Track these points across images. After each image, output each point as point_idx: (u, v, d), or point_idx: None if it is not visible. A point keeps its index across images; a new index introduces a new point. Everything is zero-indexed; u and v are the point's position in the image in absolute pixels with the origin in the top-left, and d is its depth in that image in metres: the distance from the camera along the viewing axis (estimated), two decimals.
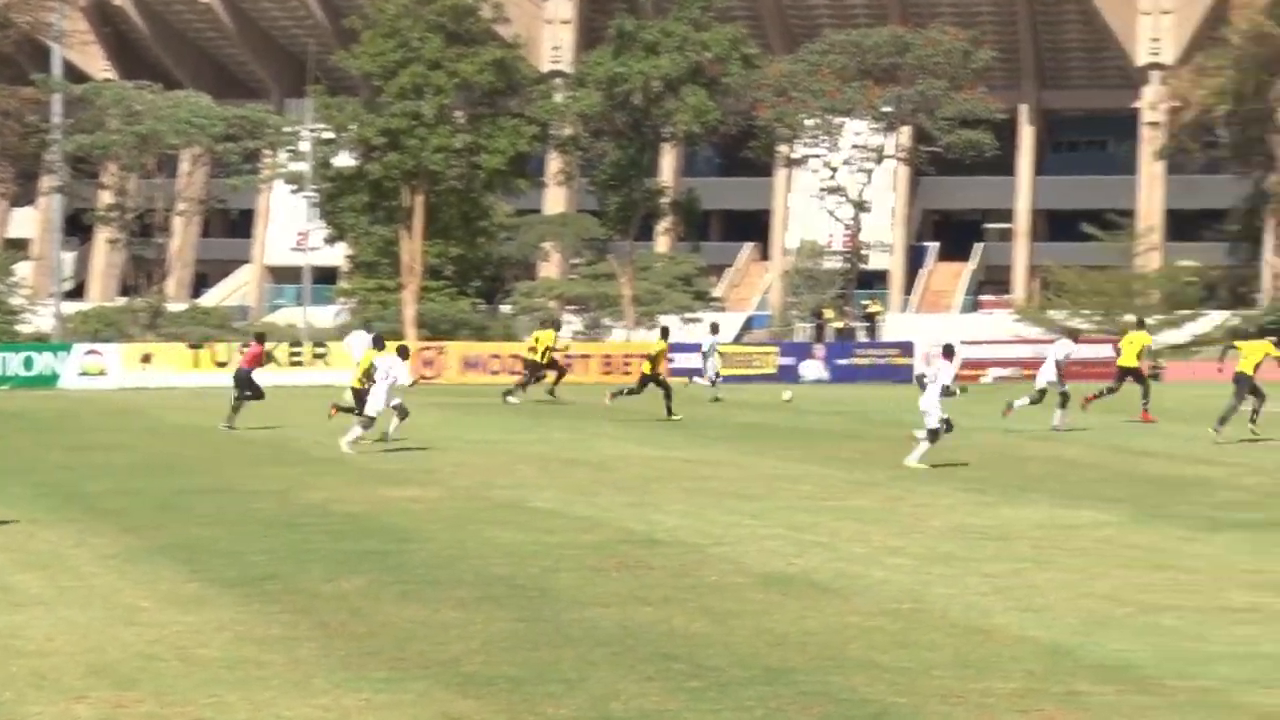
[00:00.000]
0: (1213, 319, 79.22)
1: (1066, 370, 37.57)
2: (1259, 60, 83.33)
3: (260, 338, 42.64)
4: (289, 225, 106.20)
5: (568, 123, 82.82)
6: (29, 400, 49.61)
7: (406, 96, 77.85)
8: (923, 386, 28.85)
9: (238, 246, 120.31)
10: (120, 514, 22.12)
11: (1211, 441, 32.83)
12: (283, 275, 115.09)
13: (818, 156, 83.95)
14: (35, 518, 21.47)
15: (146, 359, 59.62)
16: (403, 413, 32.37)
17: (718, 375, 50.26)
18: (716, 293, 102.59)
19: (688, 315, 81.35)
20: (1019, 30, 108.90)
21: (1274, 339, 37.06)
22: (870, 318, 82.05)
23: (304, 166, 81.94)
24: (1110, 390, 39.66)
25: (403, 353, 33.02)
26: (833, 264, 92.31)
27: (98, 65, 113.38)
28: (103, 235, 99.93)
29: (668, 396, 40.71)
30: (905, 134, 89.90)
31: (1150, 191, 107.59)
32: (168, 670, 12.75)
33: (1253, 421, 34.24)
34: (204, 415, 41.76)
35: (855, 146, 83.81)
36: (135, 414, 43.78)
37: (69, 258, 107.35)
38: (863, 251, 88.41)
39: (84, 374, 57.99)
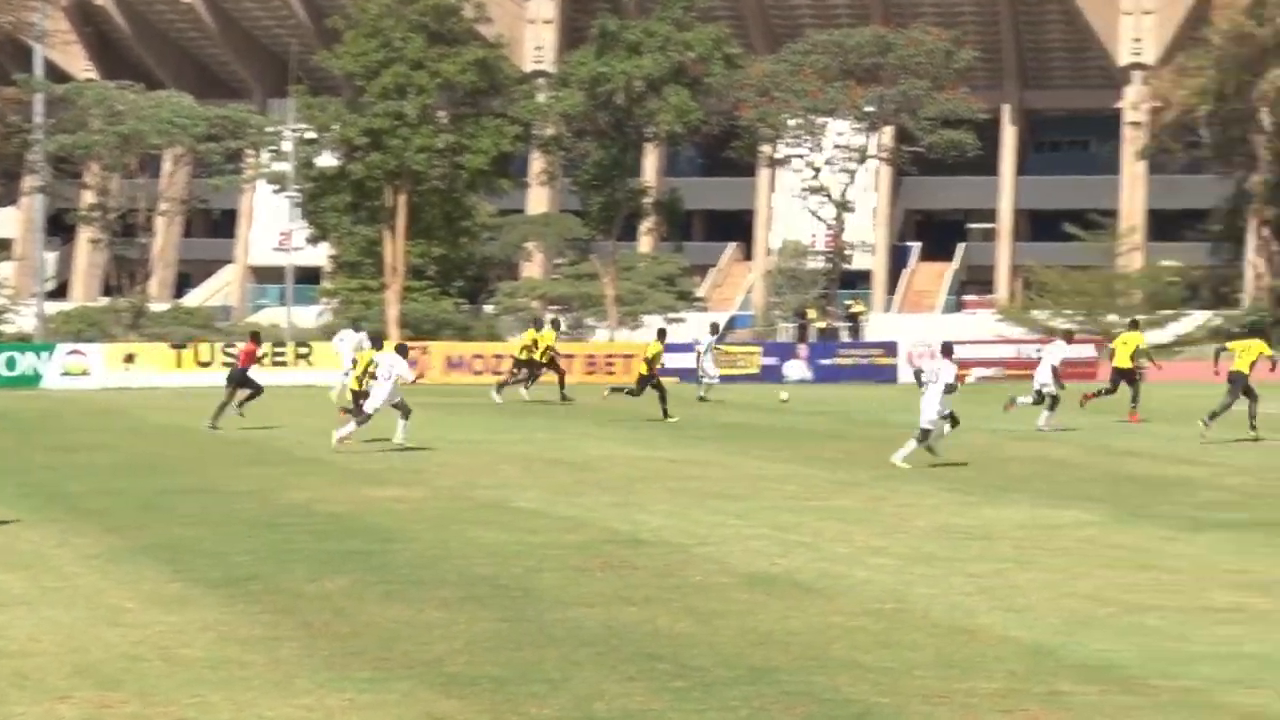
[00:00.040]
0: (1195, 319, 79.42)
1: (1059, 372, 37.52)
2: (1240, 60, 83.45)
3: (255, 336, 42.74)
4: (271, 225, 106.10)
5: (550, 123, 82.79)
6: (11, 400, 49.50)
7: (389, 96, 77.79)
8: (922, 385, 28.90)
9: (220, 246, 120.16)
10: (103, 514, 22.09)
11: (1200, 435, 32.91)
12: (265, 275, 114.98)
13: (800, 156, 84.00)
14: (19, 518, 21.44)
15: (129, 359, 59.52)
16: (405, 411, 32.36)
17: (715, 376, 50.16)
18: (699, 293, 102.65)
19: (671, 316, 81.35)
20: (1001, 30, 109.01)
21: (1259, 339, 37.14)
22: (853, 318, 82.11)
23: (286, 166, 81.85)
24: (1108, 391, 39.64)
25: (401, 350, 33.11)
26: (815, 264, 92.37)
27: (79, 65, 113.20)
28: (85, 235, 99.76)
29: (663, 399, 40.68)
30: (888, 134, 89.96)
31: (1132, 191, 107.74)
32: (151, 670, 12.74)
33: (1253, 427, 34.24)
34: (187, 415, 41.71)
35: (838, 146, 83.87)
36: (118, 414, 43.71)
37: (51, 258, 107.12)
38: (845, 251, 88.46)
39: (66, 374, 57.89)
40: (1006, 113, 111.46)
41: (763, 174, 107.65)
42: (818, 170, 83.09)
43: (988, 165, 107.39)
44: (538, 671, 12.62)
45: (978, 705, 11.65)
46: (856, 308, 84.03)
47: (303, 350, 60.28)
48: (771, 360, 63.06)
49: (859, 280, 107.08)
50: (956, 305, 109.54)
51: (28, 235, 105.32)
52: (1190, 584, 16.52)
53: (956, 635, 14.00)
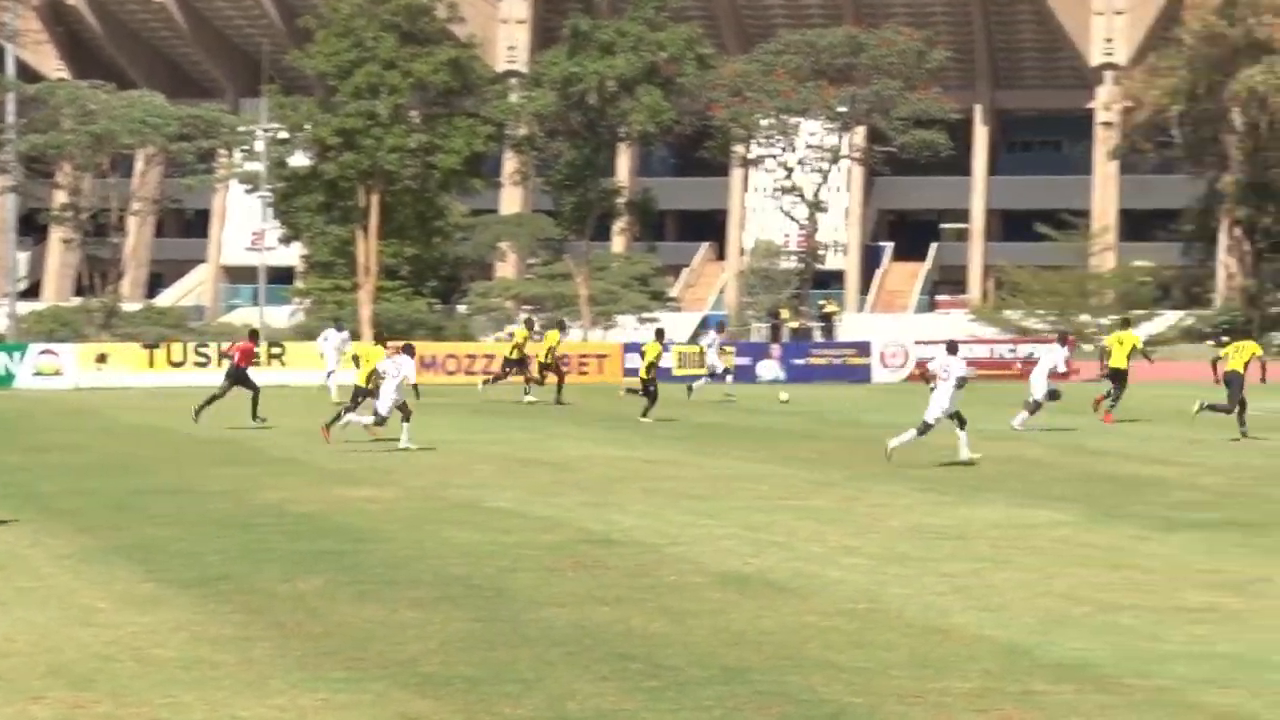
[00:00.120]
0: (1167, 319, 79.64)
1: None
2: (1211, 60, 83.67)
3: (254, 335, 42.78)
4: (244, 225, 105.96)
5: (523, 123, 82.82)
6: None
7: (361, 96, 77.71)
8: (928, 380, 28.97)
9: (193, 246, 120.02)
10: (76, 514, 22.03)
11: (1248, 438, 33.13)
12: (238, 275, 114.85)
13: (773, 157, 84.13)
14: (17, 518, 21.37)
15: (102, 359, 59.37)
16: (406, 413, 32.36)
17: (715, 372, 50.00)
18: (672, 293, 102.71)
19: (644, 315, 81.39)
20: (973, 31, 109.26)
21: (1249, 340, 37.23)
22: (826, 318, 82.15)
23: (259, 166, 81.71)
24: (1109, 395, 39.48)
25: (408, 350, 33.20)
26: (788, 264, 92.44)
27: (51, 65, 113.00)
28: (57, 235, 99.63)
29: (653, 400, 40.60)
30: (860, 134, 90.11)
31: (1104, 191, 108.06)
32: (124, 671, 12.70)
33: (1242, 424, 34.33)
34: (159, 415, 41.66)
35: (810, 147, 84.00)
36: (90, 414, 43.60)
37: (23, 258, 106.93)
38: (818, 251, 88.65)
39: (39, 374, 57.70)
40: (979, 113, 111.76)
41: (735, 174, 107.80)
42: (790, 170, 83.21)
43: (960, 165, 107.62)
44: (511, 671, 12.60)
45: (952, 705, 11.65)
46: (829, 308, 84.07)
47: (275, 350, 60.11)
48: (745, 360, 63.05)
49: (832, 280, 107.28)
50: (929, 305, 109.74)
51: None
52: (1164, 584, 16.55)
53: (931, 635, 14.01)
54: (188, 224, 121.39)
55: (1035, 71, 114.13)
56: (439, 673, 12.58)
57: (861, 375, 62.09)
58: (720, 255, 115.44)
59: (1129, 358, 39.81)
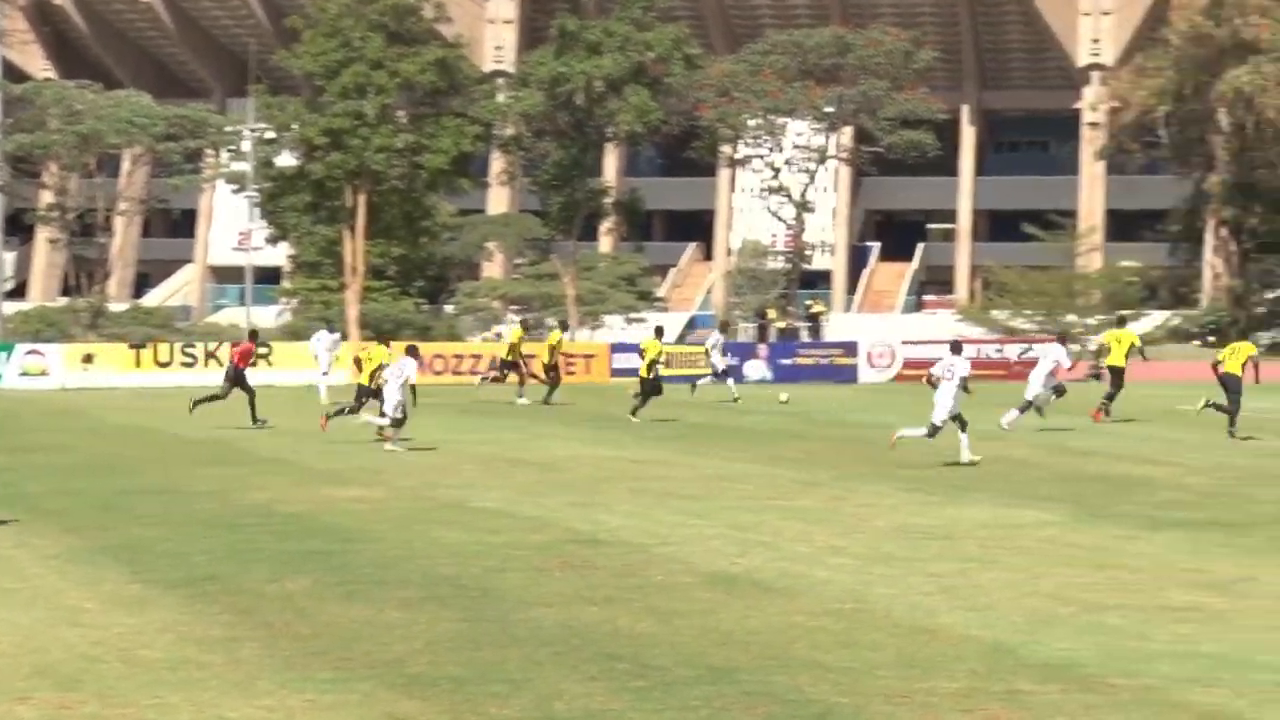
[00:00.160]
0: (1154, 319, 79.69)
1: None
2: (1198, 61, 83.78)
3: (254, 335, 42.70)
4: (231, 225, 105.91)
5: (510, 122, 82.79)
6: None
7: (348, 96, 77.65)
8: (934, 385, 29.01)
9: (179, 246, 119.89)
10: (62, 514, 22.01)
11: (1237, 442, 33.19)
12: (225, 275, 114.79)
13: (760, 157, 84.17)
14: (16, 518, 21.36)
15: (88, 359, 59.33)
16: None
17: (717, 372, 49.99)
18: (659, 293, 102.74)
19: (631, 316, 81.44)
20: (960, 31, 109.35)
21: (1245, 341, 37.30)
22: (813, 318, 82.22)
23: (246, 166, 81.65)
24: (1106, 395, 39.52)
25: (412, 351, 33.23)
26: (775, 264, 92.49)
27: (37, 64, 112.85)
28: (43, 235, 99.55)
29: (644, 399, 40.61)
30: (847, 134, 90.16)
31: (1091, 192, 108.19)
32: (111, 671, 12.70)
33: (1232, 430, 34.41)
34: (146, 415, 41.66)
35: (797, 147, 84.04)
36: (77, 414, 43.57)
37: (9, 257, 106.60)
38: (805, 252, 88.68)
39: (25, 374, 57.64)
40: (966, 113, 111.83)
41: (723, 174, 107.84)
42: (777, 170, 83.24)
43: (947, 166, 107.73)
44: (498, 672, 12.61)
45: (938, 705, 11.67)
46: (816, 308, 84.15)
47: (262, 350, 59.98)
48: (732, 360, 63.01)
49: (819, 280, 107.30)
50: (916, 305, 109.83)
51: None
52: (1149, 583, 16.59)
53: (917, 635, 14.03)
54: (174, 224, 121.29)
55: (1022, 72, 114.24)
56: (426, 673, 12.59)
57: (848, 375, 62.15)
58: (707, 255, 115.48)
59: (1127, 355, 39.85)
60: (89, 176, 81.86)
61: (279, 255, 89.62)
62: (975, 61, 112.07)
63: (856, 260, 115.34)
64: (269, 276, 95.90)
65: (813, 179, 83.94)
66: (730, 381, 49.22)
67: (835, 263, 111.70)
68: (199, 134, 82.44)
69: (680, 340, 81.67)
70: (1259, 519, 21.70)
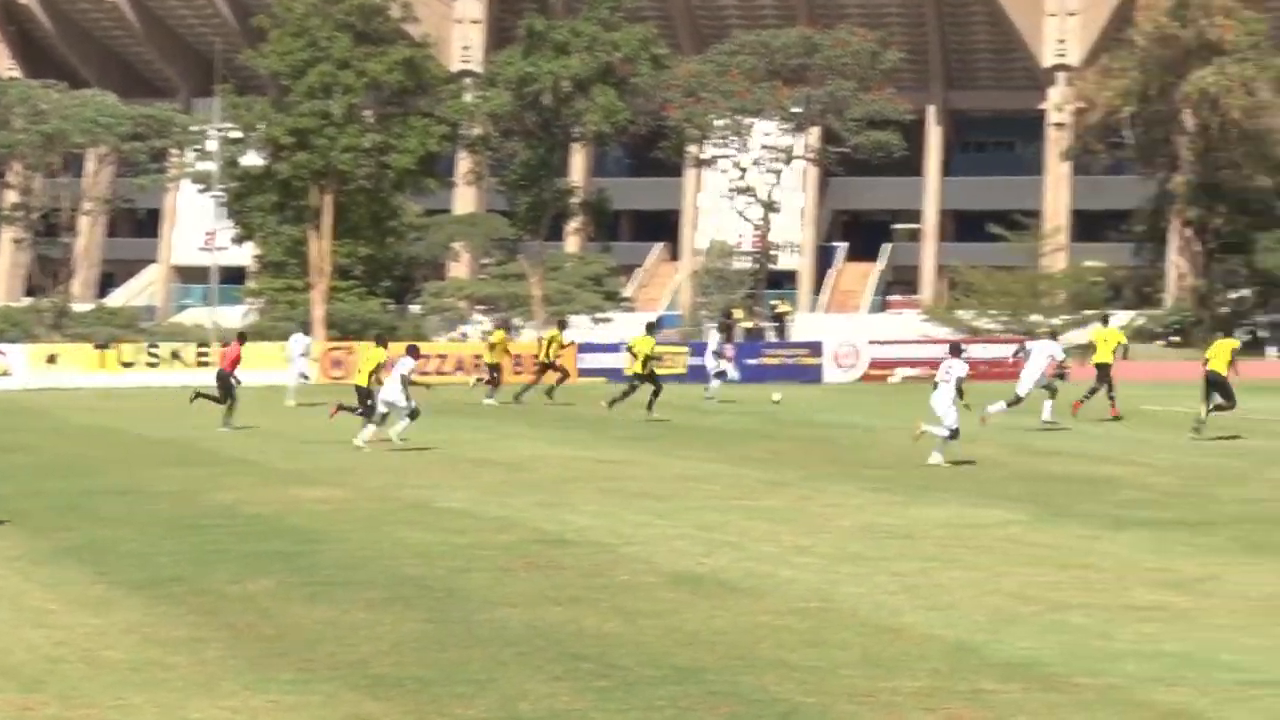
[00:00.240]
0: (1118, 319, 79.94)
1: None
2: (1163, 62, 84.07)
3: (242, 337, 42.46)
4: (196, 225, 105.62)
5: (477, 122, 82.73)
6: None
7: (315, 96, 77.51)
8: (936, 386, 29.10)
9: (144, 246, 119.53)
10: (26, 515, 21.93)
11: (1198, 439, 33.37)
12: (190, 275, 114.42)
13: (727, 157, 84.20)
14: (7, 519, 21.29)
15: (52, 359, 59.15)
16: (379, 417, 32.46)
17: (716, 372, 49.90)
18: (626, 293, 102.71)
19: (598, 316, 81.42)
20: (927, 31, 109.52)
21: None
22: (779, 318, 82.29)
23: (212, 166, 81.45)
24: (1109, 394, 39.57)
25: (412, 351, 33.24)
26: (742, 264, 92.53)
27: (3, 64, 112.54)
28: (7, 235, 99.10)
29: (656, 393, 40.64)
30: (814, 135, 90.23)
31: (1056, 192, 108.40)
32: (74, 672, 12.67)
33: (1198, 429, 34.52)
34: (110, 416, 41.54)
35: (765, 147, 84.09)
36: (41, 415, 43.40)
37: None
38: (771, 252, 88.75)
39: None
40: (932, 114, 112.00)
41: (689, 174, 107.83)
42: (744, 171, 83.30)
43: (914, 166, 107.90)
44: (463, 672, 12.61)
45: (902, 704, 11.70)
46: (782, 308, 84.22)
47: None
48: (698, 360, 63.06)
49: (785, 280, 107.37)
50: (882, 306, 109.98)
51: None
52: (1112, 582, 16.64)
53: (881, 634, 14.06)
54: (139, 224, 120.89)
55: (988, 72, 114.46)
56: (390, 674, 12.59)
57: (813, 375, 62.16)
58: (674, 255, 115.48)
59: (1114, 353, 40.00)
60: (53, 176, 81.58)
61: (244, 255, 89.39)
62: (941, 62, 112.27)
63: (823, 260, 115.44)
64: (234, 276, 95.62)
65: (779, 179, 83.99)
66: (715, 384, 49.17)
67: (802, 263, 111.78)
68: (165, 133, 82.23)
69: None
70: (1222, 518, 21.79)
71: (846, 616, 14.85)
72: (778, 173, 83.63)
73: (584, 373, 59.07)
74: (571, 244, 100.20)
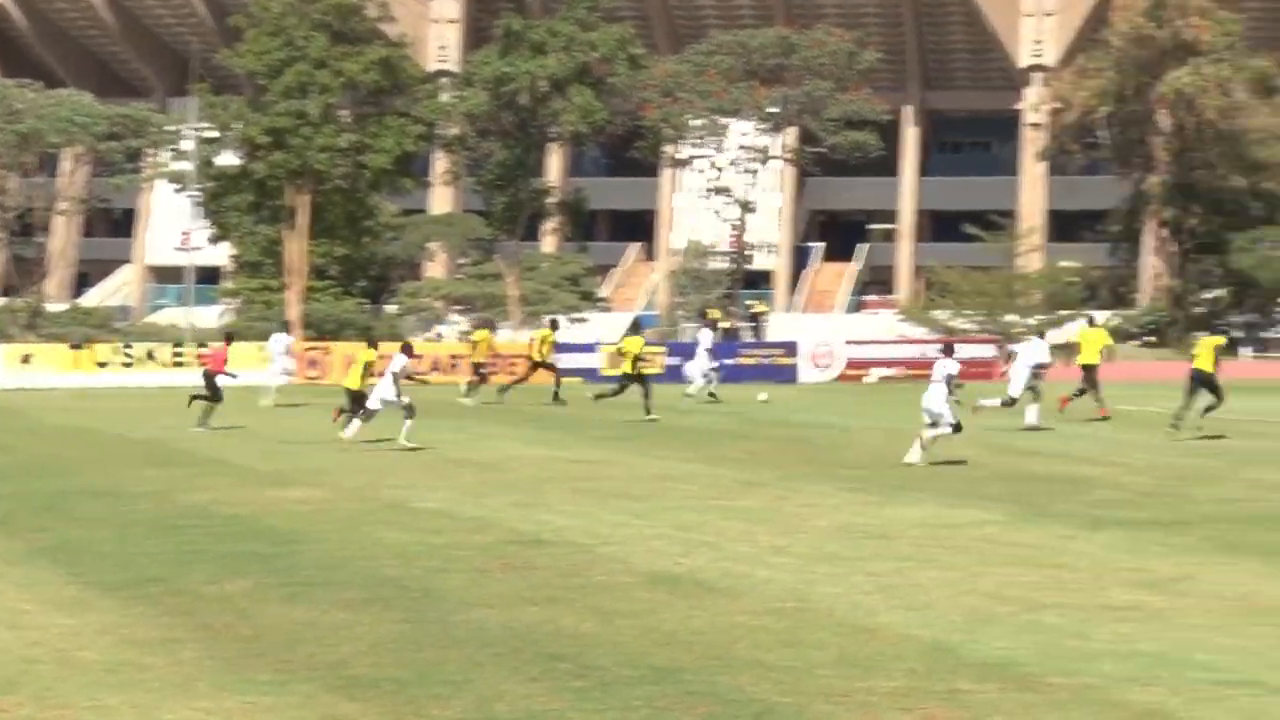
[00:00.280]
0: (1094, 319, 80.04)
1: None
2: (1139, 62, 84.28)
3: (230, 338, 42.32)
4: (172, 225, 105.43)
5: (454, 122, 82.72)
6: None
7: (291, 95, 77.46)
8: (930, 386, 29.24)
9: (120, 246, 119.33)
10: (0, 516, 21.88)
11: (1174, 436, 33.49)
12: (166, 275, 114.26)
13: (704, 157, 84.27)
14: None
15: (26, 359, 59.03)
16: (368, 415, 32.47)
17: (712, 372, 49.90)
18: (603, 293, 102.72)
19: (575, 316, 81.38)
20: (904, 32, 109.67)
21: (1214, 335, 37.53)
22: (755, 318, 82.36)
23: (187, 166, 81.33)
24: (1095, 395, 39.67)
25: (406, 349, 33.25)
26: (718, 264, 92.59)
27: None
28: None
29: (647, 394, 40.66)
30: (791, 135, 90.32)
31: (1032, 192, 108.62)
32: (48, 673, 12.64)
33: (1176, 424, 34.64)
34: (85, 416, 41.44)
35: (742, 147, 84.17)
36: (15, 415, 43.29)
37: None
38: (747, 252, 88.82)
39: None
40: (909, 114, 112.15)
41: (666, 174, 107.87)
42: (721, 171, 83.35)
43: (890, 166, 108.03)
44: (440, 673, 12.60)
45: (878, 704, 11.72)
46: (758, 308, 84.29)
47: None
48: (675, 360, 63.10)
49: (762, 280, 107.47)
50: (859, 306, 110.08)
51: None
52: (1088, 582, 16.67)
53: (858, 634, 14.07)
54: (115, 224, 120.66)
55: (965, 73, 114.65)
56: (367, 674, 12.57)
57: (788, 375, 62.20)
58: (651, 255, 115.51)
59: (1100, 353, 40.08)
60: (28, 176, 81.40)
61: (220, 255, 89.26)
62: (918, 62, 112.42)
63: (799, 260, 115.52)
64: (210, 277, 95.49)
65: (756, 179, 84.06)
66: (700, 383, 49.19)
67: (778, 263, 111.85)
68: (141, 133, 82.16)
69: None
70: (1198, 518, 21.84)
71: (823, 616, 14.85)
72: (754, 173, 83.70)
73: (560, 373, 58.90)
74: (548, 244, 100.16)
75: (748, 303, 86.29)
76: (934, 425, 28.86)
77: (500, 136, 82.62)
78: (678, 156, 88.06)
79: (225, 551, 18.64)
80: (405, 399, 32.12)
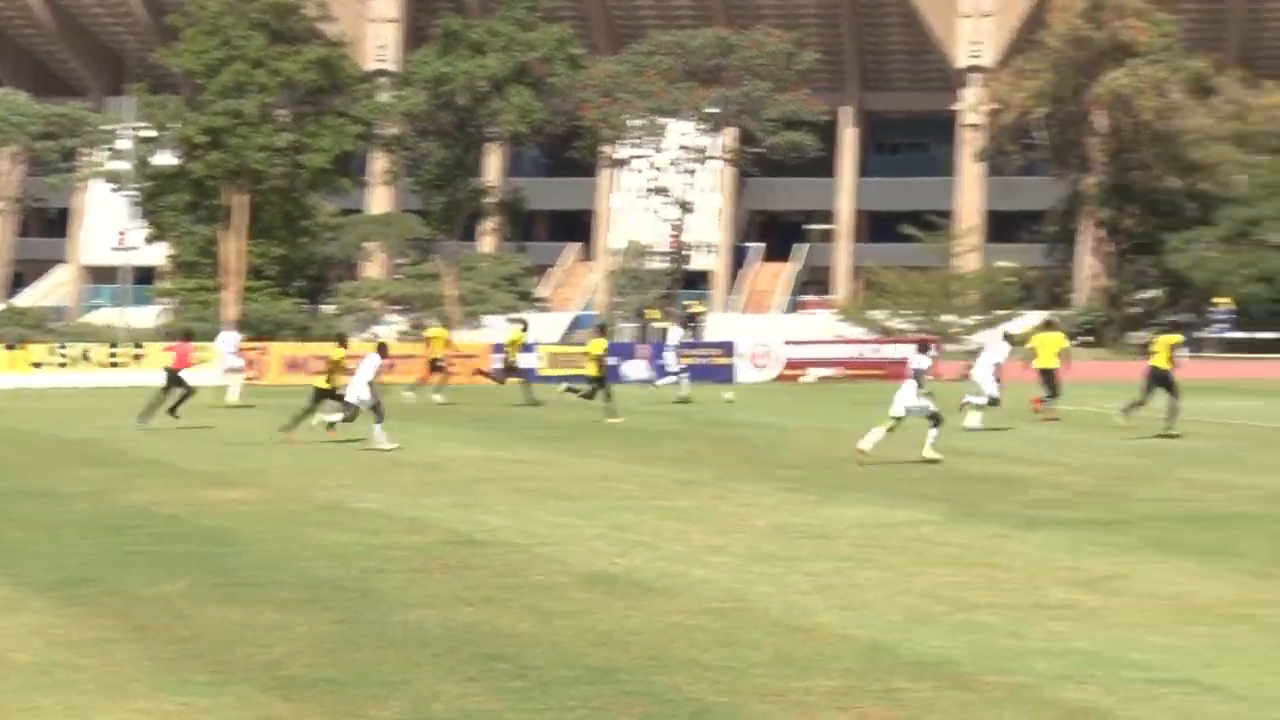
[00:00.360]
0: (1030, 319, 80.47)
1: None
2: (1076, 63, 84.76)
3: (188, 335, 42.08)
4: (108, 224, 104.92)
5: (393, 122, 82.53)
6: None
7: (229, 95, 77.15)
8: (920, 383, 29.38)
9: (55, 246, 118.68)
10: None
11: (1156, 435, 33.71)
12: (102, 275, 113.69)
13: (643, 157, 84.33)
14: None
15: None
16: (351, 415, 32.36)
17: (677, 370, 49.85)
18: (541, 293, 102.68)
19: (512, 316, 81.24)
20: (842, 32, 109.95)
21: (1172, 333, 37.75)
22: (693, 318, 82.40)
23: (124, 165, 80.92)
24: (1050, 396, 39.91)
25: (381, 350, 33.11)
26: (657, 264, 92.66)
27: None
28: None
29: (608, 397, 40.56)
30: (730, 135, 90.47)
31: (969, 193, 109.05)
32: None
33: (1126, 412, 34.92)
34: (20, 417, 41.17)
35: (681, 148, 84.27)
36: None
37: None
38: (685, 252, 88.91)
39: None
40: (847, 114, 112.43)
41: (605, 174, 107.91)
42: (660, 171, 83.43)
43: (829, 167, 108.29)
44: (376, 673, 12.57)
45: (815, 703, 11.74)
46: (696, 308, 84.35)
47: (138, 352, 59.52)
48: (613, 360, 63.05)
49: (701, 280, 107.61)
50: (797, 305, 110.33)
51: None
52: (1023, 581, 16.74)
53: (794, 634, 14.10)
54: (50, 223, 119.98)
55: (903, 74, 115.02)
56: (303, 675, 12.53)
57: (725, 375, 62.22)
58: (590, 256, 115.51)
59: (1057, 356, 40.27)
60: None
61: (156, 255, 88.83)
62: (856, 63, 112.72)
63: (738, 260, 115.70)
64: (146, 277, 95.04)
65: (694, 179, 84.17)
66: (670, 380, 49.22)
67: (717, 263, 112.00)
68: (77, 132, 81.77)
69: (563, 340, 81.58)
70: (1134, 517, 21.96)
71: (759, 616, 14.88)
72: (693, 173, 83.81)
73: (506, 374, 58.82)
74: (486, 244, 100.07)
75: (685, 303, 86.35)
76: (934, 421, 29.09)
77: (439, 136, 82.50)
78: (616, 157, 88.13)
79: (161, 552, 18.55)
80: (375, 398, 31.97)
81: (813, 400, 50.00)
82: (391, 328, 79.33)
